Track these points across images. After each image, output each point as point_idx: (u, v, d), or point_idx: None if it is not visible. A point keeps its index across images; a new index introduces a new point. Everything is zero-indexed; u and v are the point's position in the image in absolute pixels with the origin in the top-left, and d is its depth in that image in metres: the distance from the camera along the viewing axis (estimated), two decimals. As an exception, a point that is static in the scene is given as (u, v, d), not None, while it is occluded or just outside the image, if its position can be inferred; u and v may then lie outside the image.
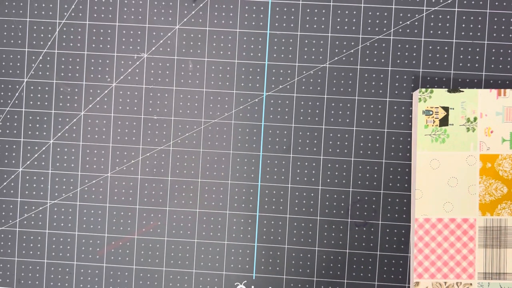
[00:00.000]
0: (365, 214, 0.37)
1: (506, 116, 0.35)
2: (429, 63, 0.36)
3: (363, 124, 0.37)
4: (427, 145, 0.35)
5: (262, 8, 0.37)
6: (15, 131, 0.38)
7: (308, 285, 0.37)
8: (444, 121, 0.35)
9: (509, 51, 0.36)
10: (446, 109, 0.35)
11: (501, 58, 0.36)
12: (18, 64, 0.38)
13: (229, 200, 0.37)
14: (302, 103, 0.37)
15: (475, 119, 0.35)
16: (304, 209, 0.37)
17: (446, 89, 0.35)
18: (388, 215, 0.36)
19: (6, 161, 0.38)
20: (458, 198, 0.35)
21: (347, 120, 0.37)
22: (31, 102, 0.38)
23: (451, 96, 0.35)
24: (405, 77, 0.37)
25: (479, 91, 0.35)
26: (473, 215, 0.35)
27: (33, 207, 0.38)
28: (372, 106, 0.37)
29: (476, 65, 0.36)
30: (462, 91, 0.35)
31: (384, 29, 0.37)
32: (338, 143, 0.37)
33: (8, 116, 0.38)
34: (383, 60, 0.37)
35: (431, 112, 0.35)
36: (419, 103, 0.35)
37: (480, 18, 0.36)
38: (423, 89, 0.35)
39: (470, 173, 0.35)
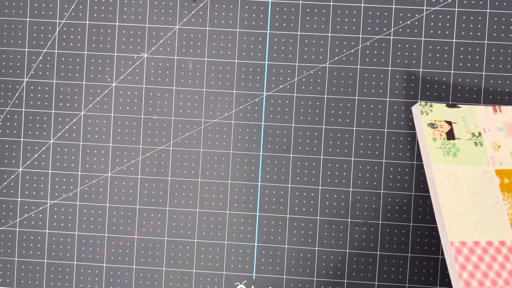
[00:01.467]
0: (365, 214, 0.37)
1: (508, 131, 0.34)
2: (429, 63, 0.36)
3: (363, 124, 0.37)
4: (440, 159, 0.33)
5: (262, 8, 0.37)
6: (15, 131, 0.38)
7: (308, 285, 0.37)
8: (450, 135, 0.33)
9: (509, 51, 0.36)
10: (449, 123, 0.33)
11: (501, 58, 0.36)
12: (18, 64, 0.38)
13: (229, 200, 0.37)
14: (302, 103, 0.37)
15: (479, 133, 0.33)
16: (304, 209, 0.37)
17: (445, 104, 0.34)
18: (388, 215, 0.36)
19: (6, 161, 0.38)
20: (487, 217, 0.32)
21: (347, 120, 0.37)
22: (31, 102, 0.38)
23: (451, 111, 0.34)
24: (405, 77, 0.36)
25: (475, 108, 0.34)
26: (509, 237, 0.31)
27: (33, 207, 0.38)
28: (372, 106, 0.37)
29: (476, 65, 0.36)
30: (460, 107, 0.34)
31: (384, 29, 0.37)
32: (338, 143, 0.37)
33: (8, 116, 0.38)
34: (383, 60, 0.37)
35: (435, 126, 0.33)
36: (422, 116, 0.33)
37: (480, 18, 0.36)
38: (423, 103, 0.34)
39: (491, 190, 0.32)
